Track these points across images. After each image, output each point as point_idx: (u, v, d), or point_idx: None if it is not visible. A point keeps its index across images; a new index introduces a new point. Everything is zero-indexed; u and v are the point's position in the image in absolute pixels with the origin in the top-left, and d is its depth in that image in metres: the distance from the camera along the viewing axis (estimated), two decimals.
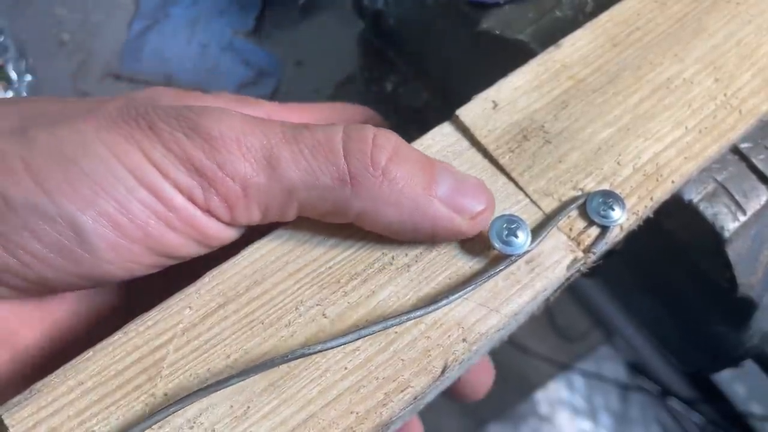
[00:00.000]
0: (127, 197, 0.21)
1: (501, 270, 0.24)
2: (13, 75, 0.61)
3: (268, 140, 0.23)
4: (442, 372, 0.22)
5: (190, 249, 0.23)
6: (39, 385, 0.21)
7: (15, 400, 0.20)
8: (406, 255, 0.24)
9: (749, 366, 0.47)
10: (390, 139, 0.24)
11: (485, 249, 0.25)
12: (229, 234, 0.24)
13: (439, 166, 0.24)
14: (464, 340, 0.23)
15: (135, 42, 0.66)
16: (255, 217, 0.23)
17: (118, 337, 0.22)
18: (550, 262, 0.25)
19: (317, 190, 0.23)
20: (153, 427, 0.20)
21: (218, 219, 0.23)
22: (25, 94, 0.62)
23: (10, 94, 0.60)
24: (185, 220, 0.22)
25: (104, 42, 0.66)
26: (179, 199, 0.22)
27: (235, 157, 0.22)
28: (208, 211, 0.23)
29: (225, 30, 0.65)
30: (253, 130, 0.23)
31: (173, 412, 0.20)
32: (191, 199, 0.22)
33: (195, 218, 0.23)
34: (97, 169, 0.21)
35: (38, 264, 0.21)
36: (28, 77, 0.63)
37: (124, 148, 0.22)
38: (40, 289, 0.22)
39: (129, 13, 0.67)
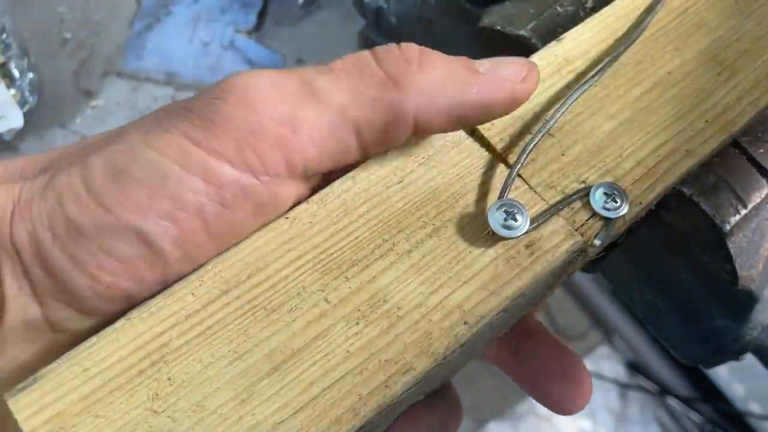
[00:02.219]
0: (179, 190, 0.22)
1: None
2: (16, 73, 0.62)
3: (303, 77, 0.23)
4: (444, 354, 0.23)
5: (249, 222, 0.24)
6: (43, 371, 0.21)
7: (20, 386, 0.21)
8: (407, 241, 0.25)
9: (748, 364, 0.47)
10: (412, 44, 0.25)
11: (485, 233, 0.25)
12: (285, 192, 0.24)
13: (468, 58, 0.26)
14: (465, 322, 0.23)
15: (137, 40, 0.66)
16: (312, 158, 0.23)
17: (122, 323, 0.22)
18: (549, 246, 0.25)
19: (367, 104, 0.23)
20: (157, 410, 0.21)
21: (275, 175, 0.23)
22: (27, 91, 0.62)
23: (12, 92, 0.61)
24: (238, 193, 0.22)
25: (106, 40, 0.66)
26: (229, 172, 0.22)
27: (275, 101, 0.22)
28: (264, 170, 0.23)
29: (226, 28, 0.66)
30: (284, 74, 0.23)
31: None
32: (245, 164, 0.22)
33: (248, 187, 0.23)
34: (147, 173, 0.21)
35: (119, 281, 0.22)
36: (31, 75, 0.63)
37: (169, 142, 0.22)
38: (125, 307, 0.23)
39: (131, 11, 0.68)
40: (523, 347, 0.32)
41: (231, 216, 0.23)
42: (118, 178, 0.22)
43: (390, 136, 0.24)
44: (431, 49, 0.25)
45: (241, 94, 0.22)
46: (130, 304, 0.22)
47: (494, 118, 0.26)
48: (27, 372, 0.21)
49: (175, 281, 0.23)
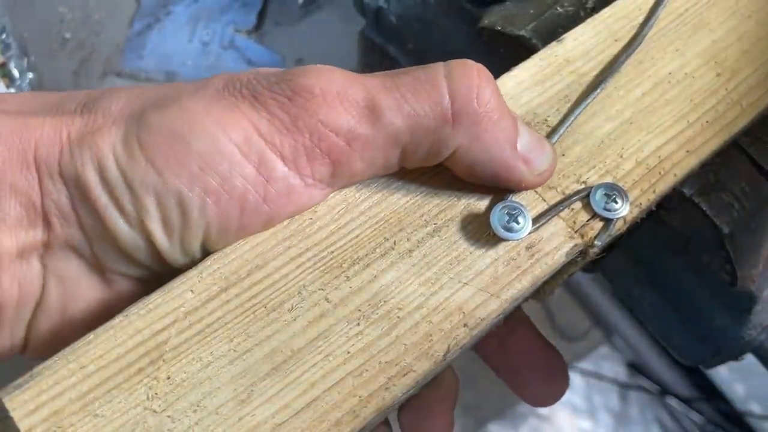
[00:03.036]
0: (231, 172, 0.22)
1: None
2: (16, 72, 0.62)
3: (369, 91, 0.23)
4: (444, 356, 0.22)
5: (278, 220, 0.24)
6: (40, 368, 0.21)
7: (16, 383, 0.20)
8: (408, 240, 0.24)
9: (748, 364, 0.47)
10: (490, 77, 0.24)
11: (486, 234, 0.25)
12: (319, 197, 0.24)
13: (518, 118, 0.25)
14: (465, 325, 0.23)
15: (136, 40, 0.66)
16: (357, 171, 0.24)
17: (119, 320, 0.22)
18: (549, 248, 0.25)
19: (422, 133, 0.23)
20: (156, 409, 0.20)
21: (319, 181, 0.24)
22: (27, 91, 0.62)
23: (12, 91, 0.61)
24: (282, 191, 0.23)
25: (106, 40, 0.66)
26: (281, 168, 0.23)
27: (338, 112, 0.23)
28: (311, 174, 0.23)
29: (226, 28, 0.66)
30: (353, 83, 0.23)
31: None
32: (295, 165, 0.23)
33: (292, 187, 0.23)
34: (205, 146, 0.22)
35: (153, 243, 0.22)
36: (30, 75, 0.63)
37: (232, 122, 0.22)
38: (154, 267, 0.23)
39: (130, 11, 0.68)
40: (509, 339, 0.32)
41: (267, 212, 0.23)
42: (175, 144, 0.22)
43: (427, 160, 0.25)
44: (499, 90, 0.24)
45: (309, 99, 0.23)
46: (159, 261, 0.23)
47: (493, 186, 0.26)
48: (104, 313, 0.22)
49: (188, 260, 0.23)
